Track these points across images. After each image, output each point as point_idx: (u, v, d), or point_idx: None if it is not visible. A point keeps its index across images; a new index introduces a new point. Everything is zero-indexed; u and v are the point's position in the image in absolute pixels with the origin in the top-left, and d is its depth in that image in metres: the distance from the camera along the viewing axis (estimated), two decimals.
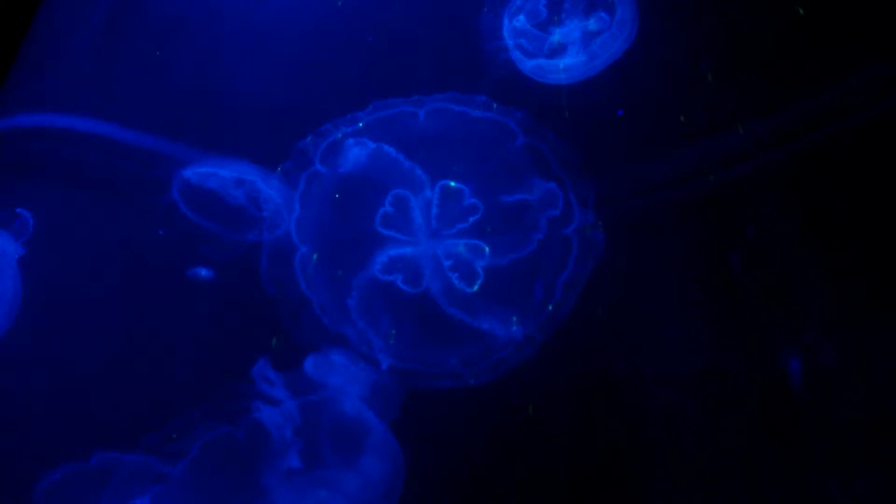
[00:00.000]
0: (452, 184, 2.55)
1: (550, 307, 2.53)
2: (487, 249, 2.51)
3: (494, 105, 2.71)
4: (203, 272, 2.81)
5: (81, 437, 2.57)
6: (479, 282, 2.49)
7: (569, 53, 2.78)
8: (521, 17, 2.83)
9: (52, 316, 2.77)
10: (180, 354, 2.77)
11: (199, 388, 2.63)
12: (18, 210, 2.79)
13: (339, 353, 2.64)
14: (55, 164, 3.07)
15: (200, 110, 3.11)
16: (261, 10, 3.25)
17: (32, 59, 3.17)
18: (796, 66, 2.76)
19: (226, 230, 3.00)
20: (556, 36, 2.79)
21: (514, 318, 2.50)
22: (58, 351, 2.74)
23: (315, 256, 2.65)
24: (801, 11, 2.65)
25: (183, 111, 3.11)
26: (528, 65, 2.84)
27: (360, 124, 2.74)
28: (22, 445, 2.61)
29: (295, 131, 3.04)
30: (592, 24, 2.74)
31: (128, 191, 3.04)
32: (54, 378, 2.69)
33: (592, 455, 2.66)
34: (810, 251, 2.65)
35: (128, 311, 2.83)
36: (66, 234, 2.87)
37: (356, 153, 2.66)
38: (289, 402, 2.46)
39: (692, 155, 2.85)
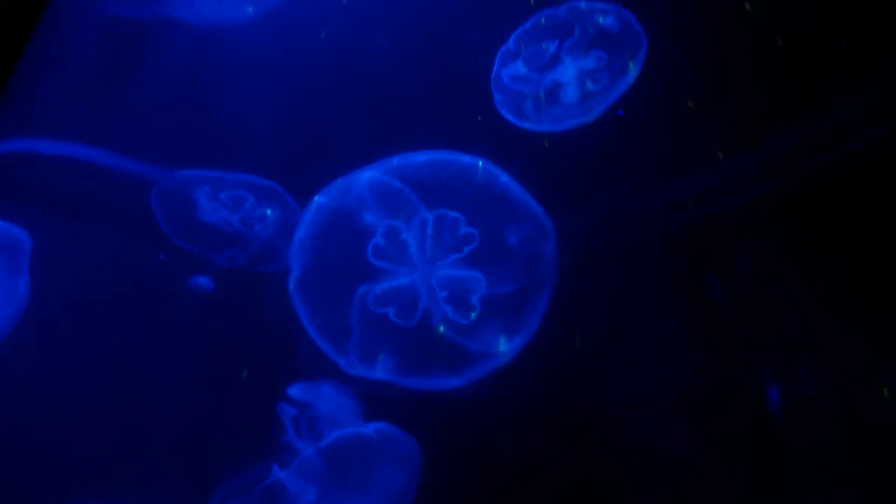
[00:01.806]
0: (449, 213, 2.53)
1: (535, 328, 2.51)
2: (483, 282, 2.48)
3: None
4: (203, 281, 2.79)
5: (66, 471, 2.53)
6: (474, 314, 2.46)
7: (564, 98, 2.77)
8: (518, 63, 2.83)
9: (42, 342, 2.72)
10: (170, 381, 2.74)
11: (188, 419, 2.60)
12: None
13: (328, 384, 2.61)
14: (46, 189, 3.05)
15: (192, 136, 3.11)
16: (254, 36, 3.27)
17: (25, 86, 3.16)
18: (778, 98, 2.80)
19: (219, 255, 2.98)
20: (553, 77, 2.79)
21: (504, 338, 2.47)
22: (45, 380, 2.69)
23: (312, 285, 2.60)
24: (780, 42, 2.69)
25: (175, 137, 3.11)
26: (522, 117, 2.84)
27: (362, 154, 2.72)
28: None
29: (289, 158, 3.05)
30: (590, 62, 2.74)
31: (121, 217, 3.03)
32: (41, 406, 2.65)
33: (575, 484, 2.64)
34: (791, 279, 2.67)
35: (119, 338, 2.80)
36: (56, 260, 2.83)
37: (359, 187, 2.64)
38: (302, 453, 2.43)
39: (675, 187, 2.88)
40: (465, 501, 2.65)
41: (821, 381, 2.56)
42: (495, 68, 2.88)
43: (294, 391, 2.57)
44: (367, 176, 2.60)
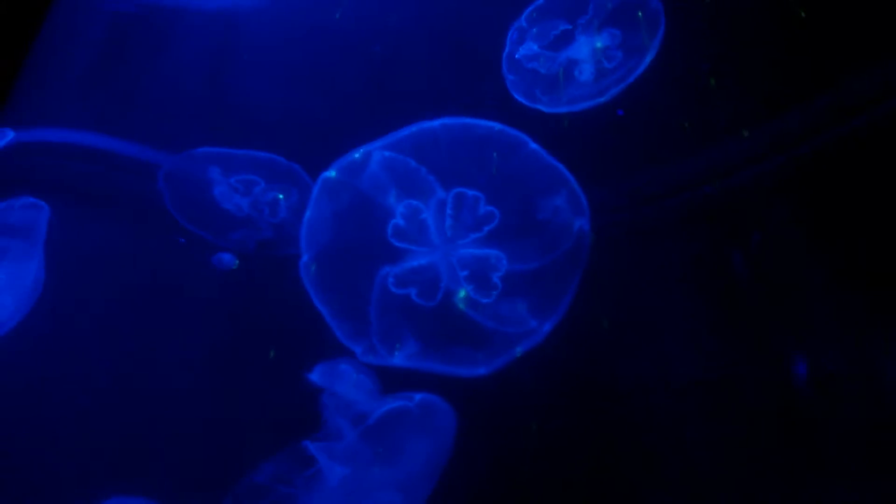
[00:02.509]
0: (468, 192, 2.47)
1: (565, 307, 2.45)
2: (505, 260, 2.44)
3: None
4: (227, 258, 2.77)
5: (88, 460, 2.52)
6: (495, 293, 2.41)
7: (580, 76, 2.74)
8: (531, 41, 2.80)
9: (60, 329, 2.71)
10: (191, 367, 2.74)
11: (212, 403, 2.59)
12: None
13: (346, 362, 2.60)
14: (60, 178, 3.04)
15: (207, 122, 3.10)
16: (266, 20, 3.25)
17: (36, 77, 3.15)
18: (797, 72, 2.78)
19: (228, 239, 2.96)
20: (567, 55, 2.76)
21: (529, 317, 2.41)
22: (64, 367, 2.69)
23: (326, 266, 2.55)
24: (803, 14, 2.67)
25: (189, 124, 3.10)
26: (536, 99, 2.80)
27: (375, 136, 2.66)
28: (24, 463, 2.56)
29: (303, 142, 3.04)
30: (604, 39, 2.71)
31: (138, 203, 3.02)
32: (60, 394, 2.65)
33: (597, 463, 2.65)
34: (814, 257, 2.67)
35: (139, 324, 2.80)
36: (75, 248, 2.82)
37: (372, 163, 2.58)
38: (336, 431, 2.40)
39: (696, 163, 2.87)
40: (483, 480, 2.65)
41: (843, 357, 2.56)
42: (508, 47, 2.85)
43: (314, 370, 2.56)
44: (378, 150, 2.50)
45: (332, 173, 2.52)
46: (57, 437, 2.62)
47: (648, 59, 2.67)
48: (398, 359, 2.43)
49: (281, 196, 3.06)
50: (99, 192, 3.06)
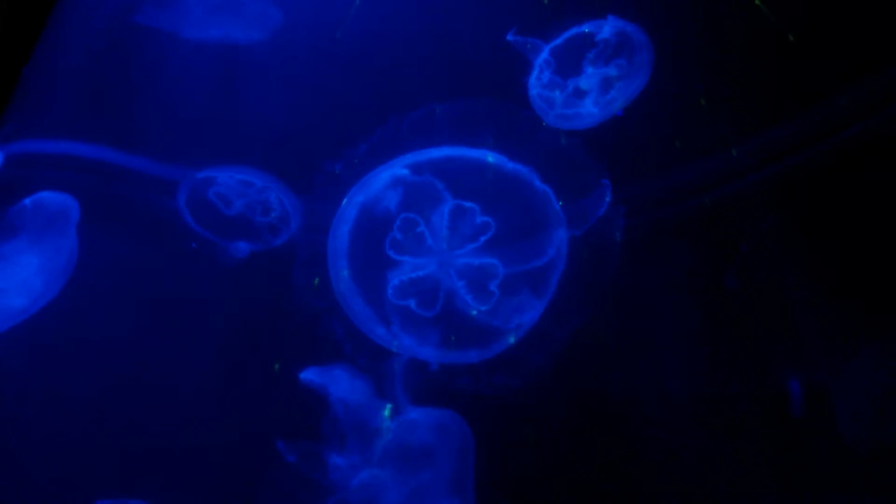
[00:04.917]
0: (466, 203, 2.56)
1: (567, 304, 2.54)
2: (501, 269, 2.52)
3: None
4: (243, 246, 2.79)
5: (92, 466, 2.52)
6: (493, 300, 2.50)
7: (588, 100, 2.84)
8: (547, 71, 2.89)
9: (69, 336, 2.72)
10: (192, 368, 2.75)
11: (216, 414, 2.60)
12: None
13: (340, 367, 2.64)
14: (67, 189, 3.03)
15: (206, 135, 3.13)
16: (266, 35, 3.27)
17: (37, 87, 3.14)
18: (788, 87, 2.85)
19: (231, 240, 2.99)
20: (578, 84, 2.85)
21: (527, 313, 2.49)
22: (71, 372, 2.69)
23: (355, 278, 2.62)
24: (791, 38, 2.76)
25: (189, 137, 3.12)
26: (549, 113, 2.89)
27: (376, 148, 2.75)
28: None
29: (301, 156, 3.07)
30: (612, 70, 2.82)
31: (136, 213, 3.03)
32: (62, 396, 2.65)
33: (593, 476, 2.68)
34: (807, 272, 2.72)
35: (141, 326, 2.81)
36: (82, 257, 2.82)
37: (376, 177, 2.66)
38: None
39: (687, 176, 2.93)
40: (480, 491, 2.66)
41: (838, 373, 2.60)
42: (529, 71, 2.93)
43: (308, 375, 2.59)
44: (394, 172, 2.64)
45: (355, 197, 2.66)
46: (60, 438, 2.63)
47: (644, 83, 2.78)
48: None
49: (273, 198, 3.10)
50: (103, 202, 3.06)
